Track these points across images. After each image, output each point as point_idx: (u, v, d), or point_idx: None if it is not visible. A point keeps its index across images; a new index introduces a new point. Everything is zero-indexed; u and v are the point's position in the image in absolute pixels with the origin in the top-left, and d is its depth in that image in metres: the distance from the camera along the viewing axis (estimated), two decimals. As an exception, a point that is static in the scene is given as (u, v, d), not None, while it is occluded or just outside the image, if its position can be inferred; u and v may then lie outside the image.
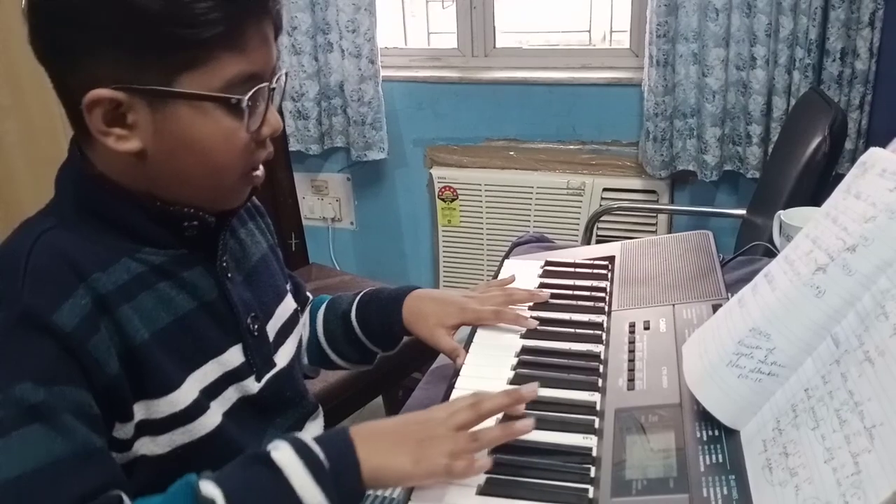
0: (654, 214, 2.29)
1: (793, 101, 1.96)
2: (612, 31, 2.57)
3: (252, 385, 0.81)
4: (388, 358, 1.05)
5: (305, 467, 0.63)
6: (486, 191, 2.42)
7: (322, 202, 2.65)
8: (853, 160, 1.96)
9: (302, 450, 0.64)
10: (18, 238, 0.70)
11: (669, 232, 2.28)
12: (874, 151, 0.74)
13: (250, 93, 0.69)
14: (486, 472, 0.69)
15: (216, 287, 0.78)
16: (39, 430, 0.61)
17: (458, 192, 2.45)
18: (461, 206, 2.46)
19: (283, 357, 0.87)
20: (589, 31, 2.62)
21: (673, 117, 2.13)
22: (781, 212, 1.21)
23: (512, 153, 2.41)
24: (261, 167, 0.76)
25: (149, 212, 0.72)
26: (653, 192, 2.29)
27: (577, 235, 2.32)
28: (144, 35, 0.64)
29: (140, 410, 0.71)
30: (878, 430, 0.52)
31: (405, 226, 2.64)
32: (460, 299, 0.96)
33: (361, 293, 1.01)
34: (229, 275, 0.80)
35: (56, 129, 1.80)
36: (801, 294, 0.67)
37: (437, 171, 2.46)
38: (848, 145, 1.92)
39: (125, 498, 0.63)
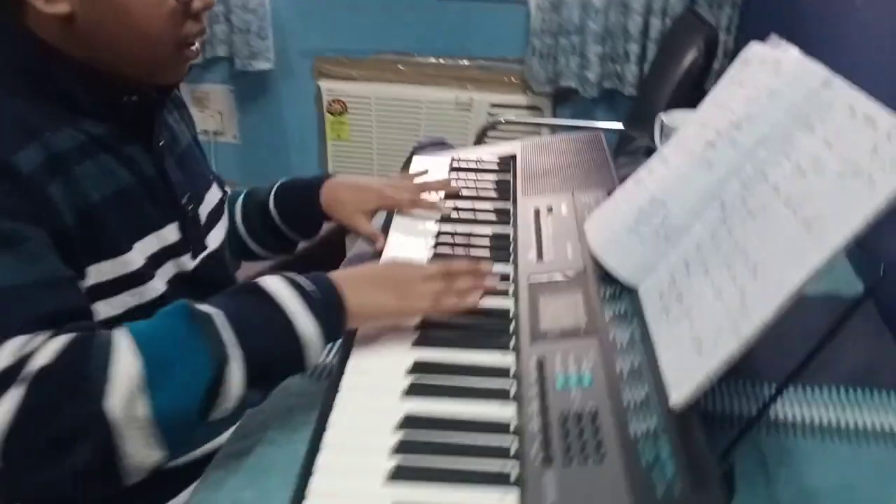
0: (538, 129, 2.39)
1: (668, 23, 2.09)
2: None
3: (188, 262, 0.84)
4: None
5: (298, 296, 0.67)
6: (375, 105, 2.43)
7: (203, 115, 2.57)
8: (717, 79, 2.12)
9: (292, 282, 0.69)
10: None
11: (551, 147, 2.39)
12: (754, 46, 0.83)
13: None
14: (417, 329, 0.75)
15: (153, 166, 0.80)
16: (8, 258, 0.62)
17: (348, 105, 2.44)
18: (350, 119, 2.46)
19: (213, 240, 0.90)
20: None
21: (558, 35, 2.22)
22: (662, 114, 1.32)
23: (401, 67, 2.42)
24: (196, 43, 0.77)
25: (88, 80, 0.73)
26: (537, 108, 2.38)
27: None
28: None
29: (92, 274, 0.72)
30: (760, 267, 0.62)
31: (292, 140, 2.61)
32: (377, 186, 1.01)
33: (278, 183, 1.03)
34: (165, 155, 0.82)
35: None
36: (693, 167, 0.76)
37: (325, 84, 2.44)
38: (715, 66, 2.07)
39: (97, 329, 0.64)
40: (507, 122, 2.34)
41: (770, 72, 0.76)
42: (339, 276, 0.73)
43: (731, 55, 2.12)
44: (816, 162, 0.64)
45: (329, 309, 0.69)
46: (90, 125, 0.74)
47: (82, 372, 0.58)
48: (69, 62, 0.72)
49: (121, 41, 0.72)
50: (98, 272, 0.72)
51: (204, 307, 0.65)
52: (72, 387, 0.58)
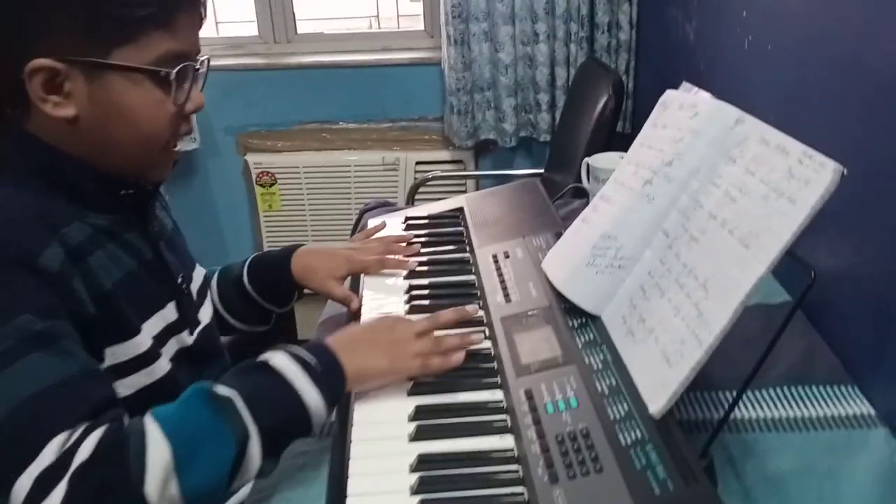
0: (464, 181, 2.50)
1: (572, 71, 2.25)
2: (399, 16, 2.74)
3: (187, 338, 0.89)
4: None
5: (303, 371, 0.73)
6: (304, 173, 2.49)
7: (132, 200, 2.56)
8: (625, 119, 2.29)
9: (296, 356, 0.75)
10: None
11: (478, 196, 2.50)
12: (670, 93, 0.95)
13: (178, 67, 0.76)
14: (412, 380, 0.81)
15: (151, 249, 0.85)
16: (43, 356, 0.66)
17: (277, 176, 2.49)
18: (280, 189, 2.51)
19: (205, 315, 0.95)
20: (377, 17, 2.77)
21: (472, 91, 2.34)
22: (588, 158, 1.44)
23: (326, 135, 2.49)
24: (178, 144, 0.84)
25: (91, 177, 0.78)
26: (460, 161, 2.49)
27: (396, 207, 2.46)
28: (84, 11, 0.72)
29: (108, 357, 0.77)
30: (710, 283, 0.71)
31: (223, 215, 2.63)
32: (345, 252, 1.07)
33: (250, 258, 1.09)
34: (159, 239, 0.87)
35: None
36: (635, 202, 0.86)
37: (252, 158, 2.49)
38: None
39: (125, 416, 0.69)
40: (436, 178, 2.43)
41: (689, 114, 0.87)
42: (336, 341, 0.80)
43: (633, 95, 2.30)
44: (743, 187, 0.74)
45: (331, 379, 0.76)
46: (94, 217, 0.79)
47: (121, 462, 0.63)
48: (71, 161, 0.78)
49: (119, 141, 0.78)
50: (113, 355, 0.77)
51: (221, 389, 0.71)
52: (113, 477, 0.63)
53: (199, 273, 0.99)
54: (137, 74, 0.75)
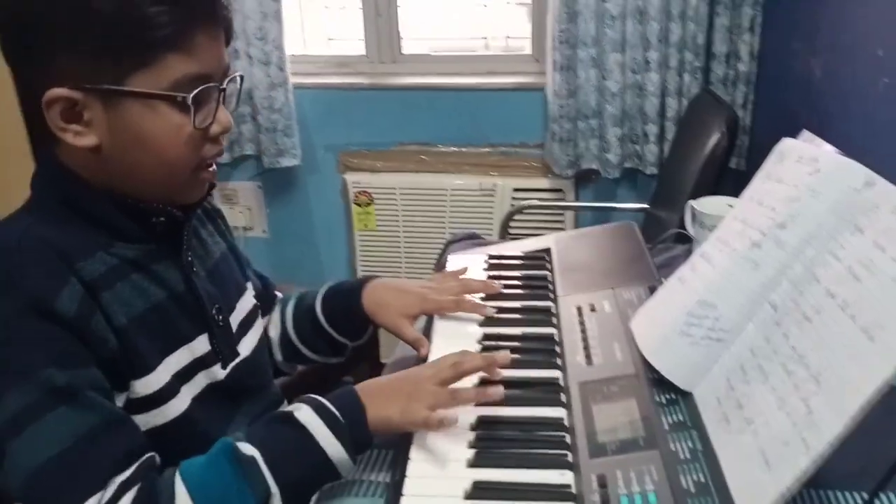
0: (563, 212, 2.41)
1: (684, 102, 2.13)
2: (507, 38, 2.68)
3: (219, 372, 0.86)
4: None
5: (325, 424, 0.72)
6: (400, 194, 2.47)
7: (233, 211, 2.62)
8: (740, 155, 2.14)
9: (320, 409, 0.73)
10: (2, 233, 0.74)
11: (576, 227, 2.41)
12: (788, 142, 0.84)
13: (195, 91, 0.73)
14: (473, 447, 0.74)
15: (183, 280, 0.83)
16: (69, 410, 0.66)
17: (373, 196, 2.48)
18: (376, 209, 2.50)
19: (245, 347, 0.92)
20: (486, 38, 2.72)
21: (576, 119, 2.26)
22: (693, 201, 1.32)
23: (424, 157, 2.47)
24: (214, 165, 0.81)
25: (120, 207, 0.77)
26: (559, 190, 2.41)
27: (491, 234, 2.40)
28: (98, 37, 0.70)
29: (122, 394, 0.75)
30: (824, 376, 0.61)
31: (320, 232, 2.65)
32: (420, 289, 1.01)
33: (326, 287, 1.05)
34: (194, 269, 0.85)
35: None
36: (739, 267, 0.76)
37: (350, 177, 2.49)
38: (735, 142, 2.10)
39: (155, 461, 0.69)
40: (533, 207, 2.36)
41: (808, 169, 0.77)
42: (364, 389, 0.78)
43: (749, 131, 2.14)
44: (870, 265, 0.63)
45: (356, 431, 0.74)
46: (122, 248, 0.77)
47: None
48: (99, 191, 0.76)
49: (143, 167, 0.76)
50: (130, 391, 0.76)
51: (246, 448, 0.70)
52: None
53: (246, 302, 0.95)
54: (154, 101, 0.72)
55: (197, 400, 0.82)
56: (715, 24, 2.05)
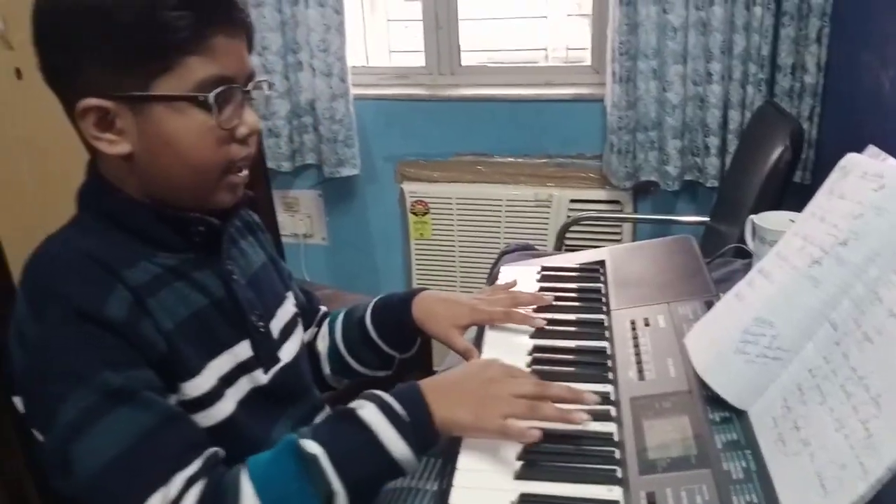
0: (619, 224, 2.38)
1: (747, 114, 2.08)
2: (568, 49, 2.67)
3: (261, 376, 0.87)
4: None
5: (390, 423, 0.72)
6: (456, 204, 2.48)
7: (293, 218, 2.67)
8: (805, 169, 2.09)
9: (384, 407, 0.73)
10: (47, 248, 0.77)
11: (634, 240, 2.38)
12: (852, 157, 0.82)
13: (217, 90, 0.75)
14: (521, 460, 0.74)
15: (223, 287, 0.85)
16: (127, 410, 0.69)
17: (430, 205, 2.50)
18: (432, 219, 2.52)
19: (286, 353, 0.93)
20: (546, 50, 2.72)
21: (635, 130, 2.23)
22: (753, 216, 1.30)
23: (480, 167, 2.47)
24: (244, 170, 0.83)
25: (160, 218, 0.79)
26: (617, 202, 2.38)
27: (546, 245, 2.39)
28: (121, 46, 0.72)
29: (172, 397, 0.76)
30: (884, 398, 0.59)
31: (377, 240, 2.68)
32: (470, 300, 1.02)
33: (376, 299, 1.06)
34: (234, 276, 0.87)
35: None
36: (799, 285, 0.75)
37: (408, 186, 2.51)
38: (801, 155, 2.04)
39: (221, 453, 0.72)
40: (589, 218, 2.34)
41: (873, 185, 0.75)
42: (429, 386, 0.77)
43: (815, 144, 2.09)
44: (936, 285, 0.61)
45: (420, 430, 0.74)
46: (164, 257, 0.80)
47: None
48: (139, 203, 0.79)
49: (173, 171, 0.78)
50: (179, 393, 0.77)
51: (310, 446, 0.71)
52: None
53: (286, 310, 0.97)
54: (179, 102, 0.74)
55: (242, 403, 0.84)
56: (780, 35, 2.01)
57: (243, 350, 0.86)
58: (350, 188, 2.61)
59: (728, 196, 1.99)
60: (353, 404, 0.76)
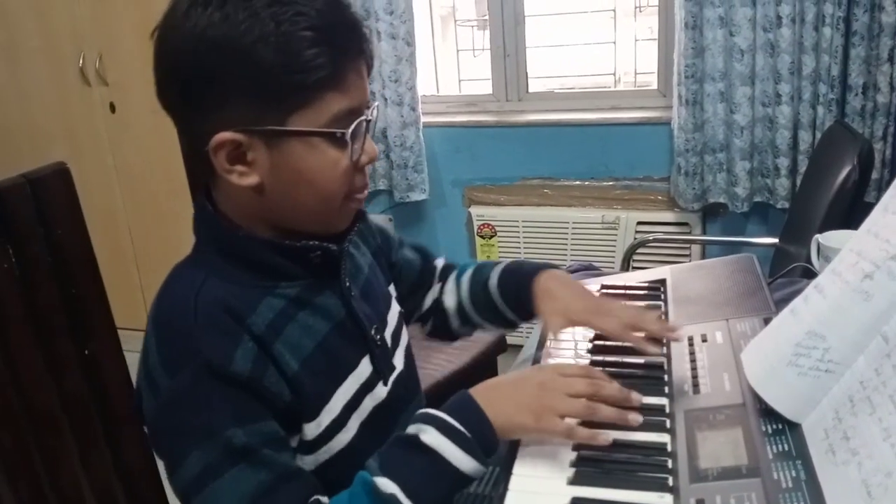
0: (688, 245, 2.37)
1: (818, 135, 2.06)
2: (636, 73, 2.70)
3: (381, 391, 0.90)
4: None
5: (455, 444, 0.74)
6: (523, 227, 2.52)
7: (365, 242, 2.76)
8: (879, 189, 2.04)
9: (445, 428, 0.75)
10: (178, 293, 0.79)
11: (703, 263, 2.36)
12: (908, 173, 0.83)
13: (352, 126, 0.77)
14: (574, 466, 0.77)
15: (343, 306, 0.86)
16: (247, 468, 0.72)
17: (497, 229, 2.55)
18: (499, 242, 2.57)
19: (399, 359, 0.95)
20: (614, 74, 2.75)
21: (703, 153, 2.23)
22: (818, 235, 1.29)
23: (547, 191, 2.51)
24: (364, 192, 0.84)
25: (278, 249, 0.81)
26: (685, 224, 2.38)
27: (613, 267, 2.40)
28: (262, 84, 0.73)
29: (296, 437, 0.81)
30: (931, 408, 0.60)
31: (445, 263, 2.74)
32: (593, 302, 0.98)
33: (504, 264, 1.08)
34: (353, 293, 0.88)
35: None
36: (851, 299, 0.76)
37: (475, 210, 2.57)
38: (873, 175, 2.00)
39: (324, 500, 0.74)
40: (657, 240, 2.34)
41: (926, 201, 0.75)
42: (482, 396, 0.78)
43: (890, 164, 2.04)
44: (984, 298, 0.62)
45: (484, 441, 0.75)
46: (285, 287, 0.81)
47: None
48: (255, 236, 0.80)
49: (302, 202, 0.79)
50: (301, 434, 0.81)
51: (384, 484, 0.72)
52: None
53: (393, 313, 0.98)
54: (314, 138, 0.75)
55: (364, 425, 0.86)
56: (850, 55, 1.99)
57: (364, 368, 0.87)
58: (419, 212, 2.68)
59: (797, 217, 1.96)
60: (413, 429, 0.76)
